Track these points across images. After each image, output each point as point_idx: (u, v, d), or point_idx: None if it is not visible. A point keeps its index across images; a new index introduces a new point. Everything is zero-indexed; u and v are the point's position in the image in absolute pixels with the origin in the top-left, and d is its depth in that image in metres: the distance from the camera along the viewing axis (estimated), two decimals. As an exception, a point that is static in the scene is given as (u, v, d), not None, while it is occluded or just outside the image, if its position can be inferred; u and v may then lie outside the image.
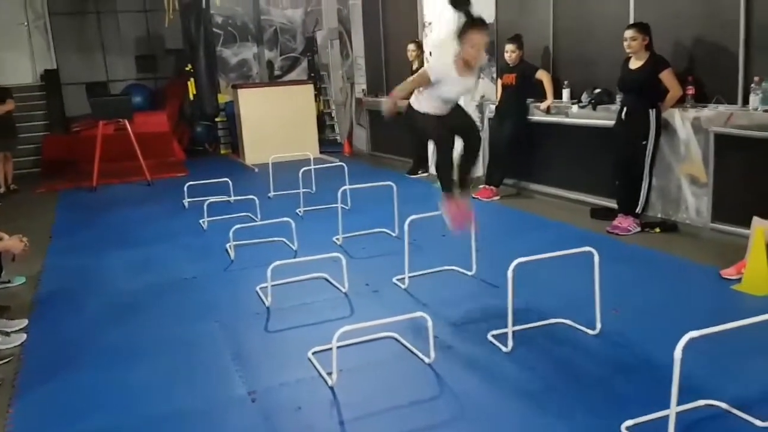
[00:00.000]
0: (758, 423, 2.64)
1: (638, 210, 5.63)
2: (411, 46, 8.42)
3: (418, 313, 3.35)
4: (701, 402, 2.82)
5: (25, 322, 4.18)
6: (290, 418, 2.97)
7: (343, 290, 4.47)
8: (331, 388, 3.17)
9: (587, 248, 3.53)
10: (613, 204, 5.92)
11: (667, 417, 2.48)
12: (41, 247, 5.99)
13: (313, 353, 3.52)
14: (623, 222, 5.61)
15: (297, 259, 4.62)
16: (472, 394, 3.10)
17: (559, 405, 2.93)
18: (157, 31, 12.28)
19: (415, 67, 8.35)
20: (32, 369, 3.57)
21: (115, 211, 7.50)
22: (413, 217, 4.47)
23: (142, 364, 3.59)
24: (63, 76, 11.71)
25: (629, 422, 2.67)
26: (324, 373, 3.29)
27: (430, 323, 3.31)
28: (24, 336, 3.96)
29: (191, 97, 10.07)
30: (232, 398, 3.17)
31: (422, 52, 8.29)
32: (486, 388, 3.16)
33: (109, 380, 3.41)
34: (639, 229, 5.58)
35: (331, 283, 4.64)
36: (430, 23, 8.09)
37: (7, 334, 3.92)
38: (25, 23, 11.47)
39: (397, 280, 4.62)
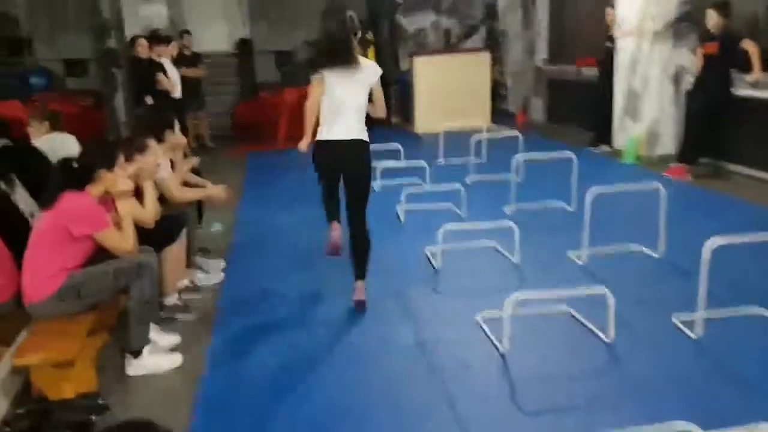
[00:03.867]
0: None
1: None
2: (609, 10, 7.91)
3: (599, 288, 3.19)
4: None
5: (223, 264, 4.63)
6: (458, 374, 3.01)
7: (514, 260, 4.39)
8: (502, 355, 3.14)
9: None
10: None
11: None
12: (234, 200, 6.55)
13: (482, 317, 3.51)
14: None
15: (468, 225, 4.61)
16: (646, 376, 2.92)
17: (749, 404, 2.65)
18: (341, 1, 12.73)
19: (610, 34, 7.86)
20: (227, 304, 3.97)
21: (295, 172, 7.94)
22: (597, 188, 4.22)
23: (321, 306, 3.87)
24: (255, 45, 12.63)
25: None
26: (493, 337, 3.27)
27: (611, 299, 3.14)
28: (221, 275, 4.40)
29: (370, 65, 10.35)
30: (402, 345, 3.30)
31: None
32: (664, 374, 2.95)
33: (291, 319, 3.70)
34: None
35: (500, 253, 4.58)
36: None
37: (208, 272, 4.38)
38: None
39: (573, 254, 4.43)
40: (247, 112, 11.40)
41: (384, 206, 5.95)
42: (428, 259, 4.53)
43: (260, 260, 4.80)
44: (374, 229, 5.35)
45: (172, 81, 7.56)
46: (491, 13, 11.70)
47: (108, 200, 3.19)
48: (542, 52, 10.41)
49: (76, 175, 3.06)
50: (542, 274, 4.22)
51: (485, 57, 10.50)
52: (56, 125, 4.89)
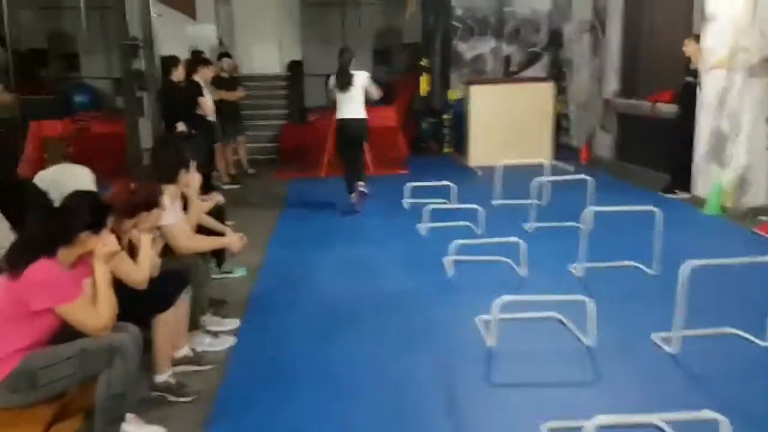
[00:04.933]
0: None
1: None
2: (688, 41, 7.04)
3: (712, 414, 2.36)
4: None
5: (236, 323, 3.97)
6: None
7: (586, 342, 3.57)
8: (575, 494, 2.36)
9: None
10: None
11: None
12: (265, 237, 5.98)
13: (549, 430, 2.72)
14: None
15: (530, 297, 3.82)
16: None
17: None
18: (396, 25, 12.20)
19: (692, 67, 6.98)
20: (233, 383, 3.28)
21: (337, 206, 7.36)
22: (696, 262, 3.38)
23: (346, 397, 3.12)
24: (306, 67, 12.17)
25: None
26: (564, 467, 2.48)
27: (727, 427, 2.31)
28: (232, 340, 3.73)
29: (422, 92, 9.71)
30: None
31: (701, 48, 6.87)
32: None
33: (310, 412, 2.99)
34: None
35: (568, 328, 3.77)
36: (712, 16, 6.67)
37: (216, 335, 3.72)
38: (278, 15, 12.13)
39: (660, 339, 3.59)
40: (293, 137, 10.89)
41: (430, 255, 5.21)
42: (480, 331, 3.76)
43: (282, 318, 4.10)
44: (417, 284, 4.69)
45: (210, 104, 7.07)
46: (556, 40, 10.91)
47: (86, 261, 2.57)
48: (612, 84, 9.53)
49: (51, 233, 2.43)
50: (623, 364, 3.40)
51: (548, 87, 9.70)
52: (59, 155, 4.38)
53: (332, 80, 6.69)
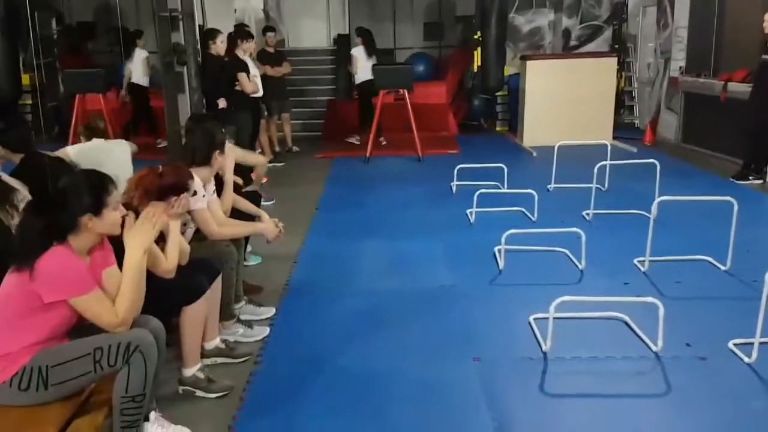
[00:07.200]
0: None
1: None
2: (768, 16, 6.41)
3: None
4: None
5: (272, 311, 3.76)
6: None
7: (654, 348, 3.21)
8: None
9: None
10: None
11: None
12: (305, 219, 5.75)
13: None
14: None
15: (592, 298, 3.45)
16: None
17: None
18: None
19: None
20: (264, 380, 3.06)
21: (381, 189, 7.04)
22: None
23: (380, 408, 2.83)
24: (354, 42, 11.80)
25: None
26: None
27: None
28: (267, 330, 3.51)
29: (475, 68, 9.25)
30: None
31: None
32: None
33: (339, 424, 2.73)
34: None
35: (634, 332, 3.41)
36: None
37: (251, 325, 3.51)
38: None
39: (737, 345, 3.19)
40: (339, 114, 10.60)
41: (479, 245, 4.85)
42: (534, 332, 3.43)
43: (318, 311, 3.85)
44: (465, 278, 4.34)
45: (254, 81, 6.81)
46: (619, 13, 10.24)
47: (104, 249, 2.36)
48: (679, 61, 8.87)
49: (50, 220, 2.20)
50: (696, 374, 3.03)
51: (611, 63, 9.09)
52: (96, 132, 4.21)
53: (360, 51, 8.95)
